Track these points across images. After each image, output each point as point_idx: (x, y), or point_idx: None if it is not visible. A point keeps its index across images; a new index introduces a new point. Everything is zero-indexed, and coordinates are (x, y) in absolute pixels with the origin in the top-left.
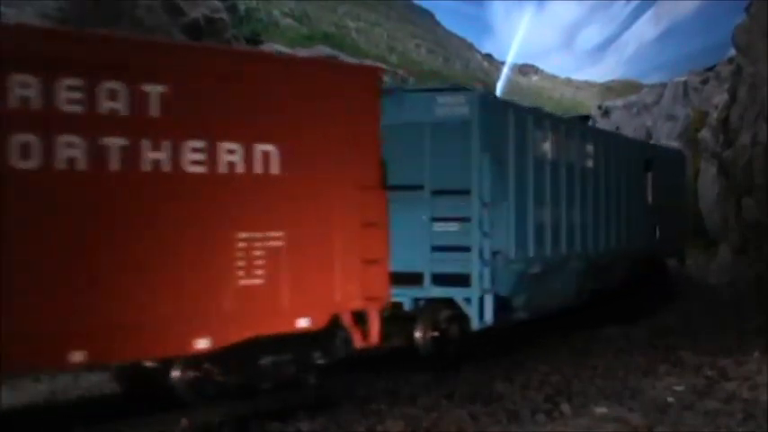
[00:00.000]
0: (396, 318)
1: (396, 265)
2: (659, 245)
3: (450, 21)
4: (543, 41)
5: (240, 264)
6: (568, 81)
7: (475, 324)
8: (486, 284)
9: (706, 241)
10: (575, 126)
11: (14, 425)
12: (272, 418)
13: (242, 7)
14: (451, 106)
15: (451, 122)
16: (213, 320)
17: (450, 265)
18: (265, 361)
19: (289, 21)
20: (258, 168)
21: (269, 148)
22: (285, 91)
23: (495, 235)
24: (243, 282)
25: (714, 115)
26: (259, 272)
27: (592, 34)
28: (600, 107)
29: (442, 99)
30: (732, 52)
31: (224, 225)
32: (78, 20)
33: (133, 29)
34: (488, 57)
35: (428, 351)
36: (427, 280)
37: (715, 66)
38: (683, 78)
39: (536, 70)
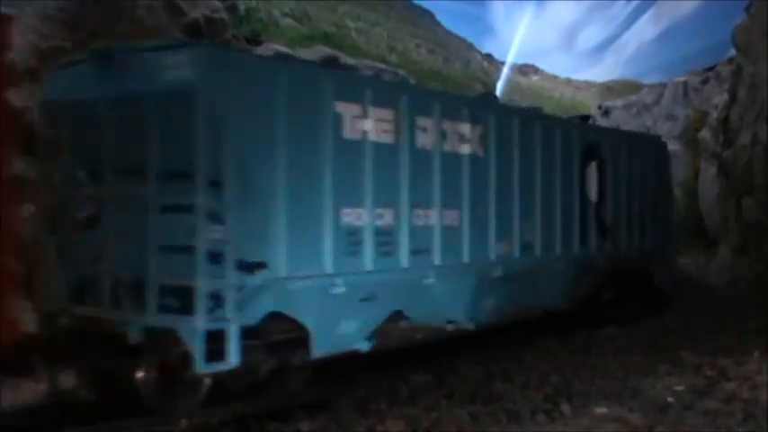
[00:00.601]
0: (116, 353)
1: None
2: (619, 251)
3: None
4: (543, 41)
5: None
6: (568, 81)
7: (200, 366)
8: (229, 310)
9: (706, 241)
10: (436, 98)
11: (14, 425)
12: (272, 418)
13: (242, 7)
14: (174, 69)
15: (175, 88)
16: None
17: (176, 274)
18: None
19: (289, 21)
20: None
21: None
22: None
23: (248, 240)
24: None
25: (714, 115)
26: None
27: (592, 34)
28: (600, 107)
29: (164, 59)
30: (732, 52)
31: None
32: (78, 20)
33: (133, 29)
34: (488, 57)
35: (150, 398)
36: (152, 297)
37: (715, 66)
38: (683, 78)
39: (536, 70)
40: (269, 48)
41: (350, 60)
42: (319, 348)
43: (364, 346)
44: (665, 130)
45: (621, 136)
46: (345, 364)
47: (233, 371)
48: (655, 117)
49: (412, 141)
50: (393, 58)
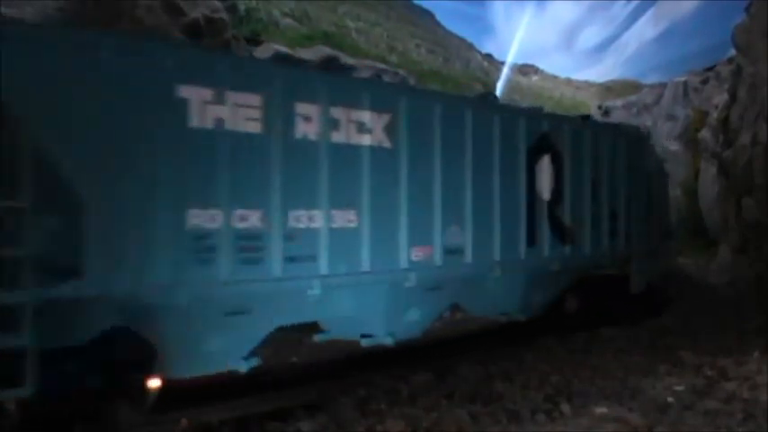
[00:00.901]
0: None
1: None
2: (583, 255)
3: (450, 21)
4: (543, 41)
5: None
6: (568, 81)
7: None
8: (25, 327)
9: (706, 241)
10: (323, 81)
11: (15, 425)
12: (272, 418)
13: (242, 7)
14: None
15: None
16: None
17: None
18: None
19: (289, 21)
20: None
21: None
22: None
23: (53, 245)
24: None
25: (714, 115)
26: None
27: (592, 34)
28: (600, 107)
29: None
30: (732, 52)
31: None
32: (78, 20)
33: (133, 29)
34: (488, 57)
35: None
36: None
37: (715, 66)
38: (682, 78)
39: (536, 70)
40: (269, 48)
41: (350, 60)
42: (176, 370)
43: (242, 367)
44: (665, 130)
45: (585, 126)
46: (345, 364)
47: (44, 396)
48: (655, 117)
49: (289, 131)
50: (393, 58)
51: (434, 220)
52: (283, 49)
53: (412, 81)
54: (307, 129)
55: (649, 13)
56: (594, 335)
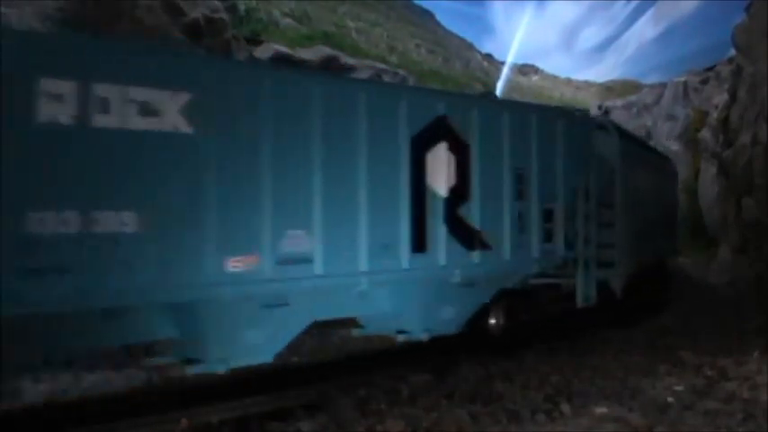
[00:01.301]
0: None
1: None
2: (504, 263)
3: (450, 21)
4: (543, 41)
5: None
6: (568, 81)
7: None
8: None
9: (706, 241)
10: (83, 49)
11: (14, 425)
12: (272, 418)
13: (242, 7)
14: None
15: None
16: None
17: None
18: None
19: (289, 21)
20: None
21: None
22: None
23: None
24: None
25: (714, 115)
26: None
27: (592, 34)
28: (600, 107)
29: None
30: (732, 52)
31: None
32: (78, 20)
33: (133, 29)
34: (488, 57)
35: None
36: None
37: (715, 66)
38: (682, 78)
39: (536, 70)
40: (269, 48)
41: (350, 60)
42: None
43: None
44: (665, 130)
45: (501, 108)
46: (345, 364)
47: None
48: (655, 117)
49: (28, 113)
50: (393, 58)
51: (261, 223)
52: (283, 49)
53: (412, 81)
54: (57, 110)
55: (649, 13)
56: (594, 335)
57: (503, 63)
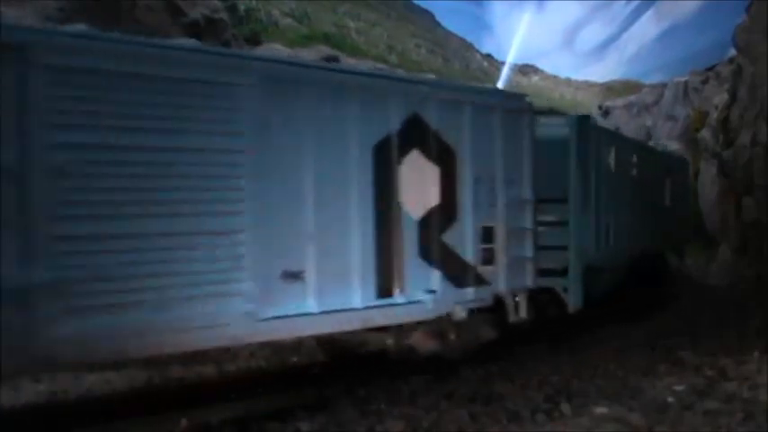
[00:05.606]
0: None
1: None
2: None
3: (449, 21)
4: (543, 41)
5: None
6: (568, 81)
7: None
8: None
9: (706, 241)
10: None
11: (14, 425)
12: (272, 418)
13: (242, 7)
14: None
15: None
16: None
17: None
18: None
19: (289, 21)
20: None
21: None
22: None
23: None
24: None
25: (714, 115)
26: None
27: (592, 34)
28: (600, 107)
29: None
30: (732, 52)
31: None
32: (79, 20)
33: (133, 29)
34: (488, 57)
35: None
36: None
37: (715, 66)
38: (683, 78)
39: (536, 70)
40: (269, 48)
41: (350, 60)
42: None
43: None
44: (665, 130)
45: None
46: (345, 364)
47: None
48: (655, 117)
49: None
50: (393, 58)
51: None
52: (283, 49)
53: None
54: None
55: (650, 13)
56: (594, 335)
57: (503, 63)
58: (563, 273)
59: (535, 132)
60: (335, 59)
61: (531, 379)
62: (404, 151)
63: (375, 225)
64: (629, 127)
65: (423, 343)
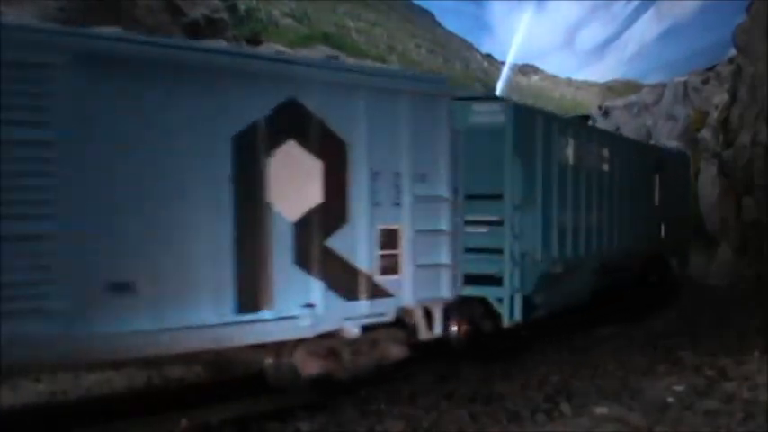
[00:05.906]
0: None
1: None
2: None
3: (449, 21)
4: (543, 41)
5: None
6: (568, 81)
7: None
8: None
9: (706, 241)
10: None
11: (14, 425)
12: (272, 418)
13: (242, 7)
14: None
15: None
16: None
17: None
18: None
19: (289, 21)
20: None
21: None
22: None
23: None
24: None
25: (714, 115)
26: None
27: (592, 34)
28: (600, 107)
29: None
30: (732, 52)
31: None
32: (79, 20)
33: (133, 29)
34: (488, 57)
35: None
36: None
37: (715, 66)
38: (683, 78)
39: (536, 70)
40: (269, 48)
41: (350, 60)
42: None
43: None
44: (665, 130)
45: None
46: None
47: None
48: (655, 117)
49: None
50: (393, 58)
51: None
52: (283, 49)
53: None
54: None
55: (650, 13)
56: (594, 335)
57: (503, 63)
58: (499, 281)
59: (458, 120)
60: (336, 59)
61: (531, 379)
62: (275, 142)
63: (235, 228)
64: (629, 127)
65: (306, 364)
